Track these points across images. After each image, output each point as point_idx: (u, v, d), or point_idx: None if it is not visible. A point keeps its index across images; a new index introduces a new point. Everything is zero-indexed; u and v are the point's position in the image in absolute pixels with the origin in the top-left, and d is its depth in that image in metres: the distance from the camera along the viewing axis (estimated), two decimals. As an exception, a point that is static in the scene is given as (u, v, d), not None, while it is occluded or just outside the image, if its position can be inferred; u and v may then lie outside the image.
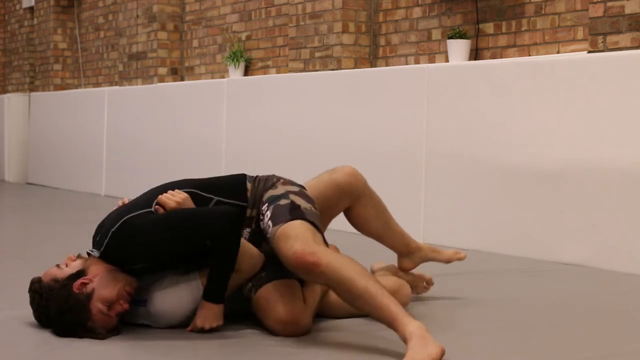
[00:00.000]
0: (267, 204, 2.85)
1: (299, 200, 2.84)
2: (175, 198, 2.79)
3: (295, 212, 2.76)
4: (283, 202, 2.82)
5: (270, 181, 2.99)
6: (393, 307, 2.50)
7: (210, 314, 2.76)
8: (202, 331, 2.77)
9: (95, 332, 2.67)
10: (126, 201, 2.93)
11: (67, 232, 5.56)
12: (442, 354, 2.38)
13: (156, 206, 2.78)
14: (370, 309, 2.55)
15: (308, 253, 2.57)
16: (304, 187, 3.01)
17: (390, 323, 2.50)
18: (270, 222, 2.76)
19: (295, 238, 2.63)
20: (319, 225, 2.81)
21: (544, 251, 4.46)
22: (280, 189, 2.90)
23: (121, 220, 2.72)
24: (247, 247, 2.83)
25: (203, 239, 2.72)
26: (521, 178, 4.61)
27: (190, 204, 2.81)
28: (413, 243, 3.32)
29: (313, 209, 2.85)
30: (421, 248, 3.35)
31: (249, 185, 2.96)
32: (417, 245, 3.33)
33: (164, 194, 2.81)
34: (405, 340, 2.44)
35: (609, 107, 4.23)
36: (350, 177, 3.10)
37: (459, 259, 3.39)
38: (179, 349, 2.63)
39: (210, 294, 2.75)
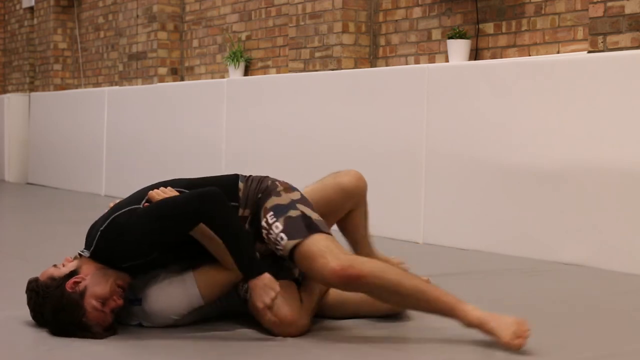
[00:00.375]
0: (272, 213, 2.82)
1: (308, 211, 2.84)
2: (165, 195, 2.78)
3: (310, 226, 2.76)
4: (293, 213, 2.80)
5: (264, 183, 2.96)
6: (445, 297, 2.62)
7: (260, 288, 2.66)
8: (268, 309, 2.68)
9: (91, 331, 2.67)
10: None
11: (67, 232, 5.55)
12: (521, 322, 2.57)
13: (145, 203, 2.77)
14: (423, 305, 2.65)
15: (347, 267, 2.62)
16: (301, 191, 2.99)
17: (448, 313, 2.62)
18: (283, 235, 2.75)
19: (323, 254, 2.66)
20: (332, 234, 2.83)
21: (544, 251, 4.46)
22: (284, 197, 2.88)
23: (109, 219, 2.73)
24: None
25: (193, 221, 2.69)
26: (521, 178, 4.60)
27: None
28: (373, 253, 3.38)
29: (319, 217, 2.86)
30: (377, 257, 3.42)
31: (241, 185, 2.94)
32: (376, 255, 3.40)
33: (154, 190, 2.81)
34: (472, 325, 2.59)
35: (609, 107, 4.23)
36: (357, 180, 3.13)
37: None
38: (179, 349, 2.63)
39: (246, 271, 2.68)
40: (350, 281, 2.62)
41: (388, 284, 2.62)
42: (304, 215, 2.80)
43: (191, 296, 2.81)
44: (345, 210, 3.17)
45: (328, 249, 2.67)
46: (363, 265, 2.64)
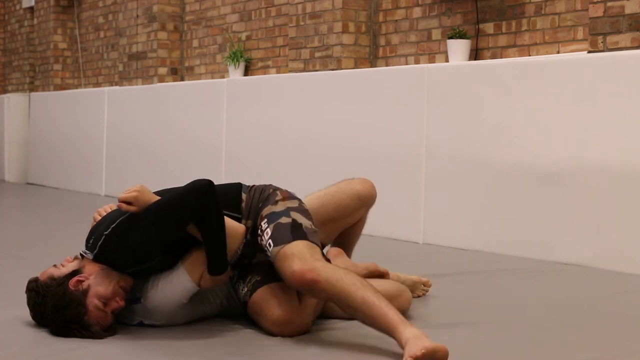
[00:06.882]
0: (266, 220, 2.82)
1: (300, 218, 2.83)
2: (131, 191, 2.76)
3: (297, 232, 2.75)
4: (284, 220, 2.79)
5: (266, 191, 2.96)
6: (391, 315, 2.49)
7: (215, 282, 2.82)
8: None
9: (91, 330, 2.68)
10: (111, 207, 2.94)
11: (67, 232, 5.55)
12: (437, 348, 2.35)
13: (119, 203, 2.76)
14: (369, 320, 2.55)
15: (307, 270, 2.59)
16: (301, 200, 2.99)
17: (389, 331, 2.49)
18: (271, 241, 2.75)
19: (293, 257, 2.64)
20: (319, 243, 2.81)
21: (544, 251, 4.46)
22: (280, 206, 2.87)
23: (114, 224, 2.75)
24: (227, 221, 2.82)
25: (190, 216, 2.72)
26: (521, 178, 4.60)
27: (147, 191, 2.79)
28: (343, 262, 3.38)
29: (312, 226, 2.84)
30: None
31: (244, 195, 2.95)
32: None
33: (122, 194, 2.79)
34: (403, 347, 2.42)
35: (609, 107, 4.23)
36: (372, 189, 3.20)
37: None
38: (179, 349, 2.63)
39: (213, 268, 2.78)
40: (308, 285, 2.59)
41: (341, 294, 2.56)
42: (294, 222, 2.79)
43: (183, 282, 2.82)
44: (357, 216, 3.22)
45: (300, 253, 2.64)
46: (322, 270, 2.59)
